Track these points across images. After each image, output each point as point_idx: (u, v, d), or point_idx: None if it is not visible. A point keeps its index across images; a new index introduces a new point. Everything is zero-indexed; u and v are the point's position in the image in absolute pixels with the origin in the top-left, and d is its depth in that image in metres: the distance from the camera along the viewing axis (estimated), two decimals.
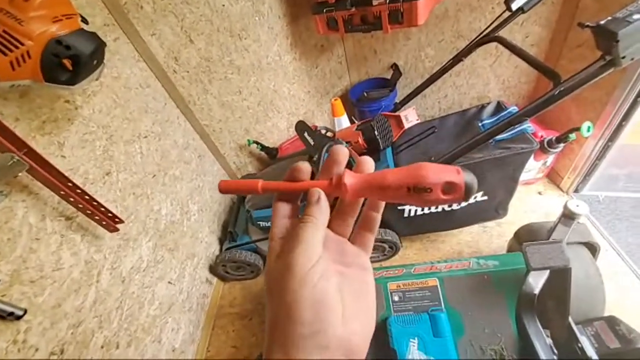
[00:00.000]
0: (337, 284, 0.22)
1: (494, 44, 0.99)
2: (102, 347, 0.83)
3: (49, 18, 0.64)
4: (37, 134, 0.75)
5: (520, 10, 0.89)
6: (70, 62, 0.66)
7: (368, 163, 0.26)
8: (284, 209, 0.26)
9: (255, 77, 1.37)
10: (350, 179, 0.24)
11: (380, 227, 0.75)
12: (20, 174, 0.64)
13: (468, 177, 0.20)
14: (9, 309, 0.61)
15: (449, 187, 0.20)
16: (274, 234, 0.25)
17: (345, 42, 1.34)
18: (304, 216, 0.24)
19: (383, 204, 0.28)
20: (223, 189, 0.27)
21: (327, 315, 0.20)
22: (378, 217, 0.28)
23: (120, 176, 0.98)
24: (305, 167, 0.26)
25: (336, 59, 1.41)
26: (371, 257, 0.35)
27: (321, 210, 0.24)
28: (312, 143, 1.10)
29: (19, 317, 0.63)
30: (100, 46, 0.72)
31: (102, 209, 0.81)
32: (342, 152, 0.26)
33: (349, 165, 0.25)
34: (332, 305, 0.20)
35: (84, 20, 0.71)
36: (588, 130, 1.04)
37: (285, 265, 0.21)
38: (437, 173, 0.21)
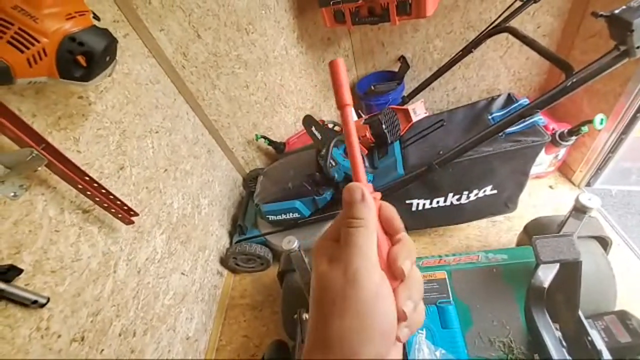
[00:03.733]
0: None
1: (505, 34, 0.98)
2: (119, 334, 0.86)
3: (62, 15, 0.65)
4: (53, 129, 0.78)
5: None
6: (84, 58, 0.67)
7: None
8: None
9: (262, 72, 1.38)
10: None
11: None
12: (39, 169, 0.67)
13: None
14: (33, 297, 0.64)
15: None
16: (328, 233, 0.23)
17: (352, 35, 1.33)
18: (351, 219, 0.21)
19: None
20: None
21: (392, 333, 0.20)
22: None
23: (134, 170, 1.00)
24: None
25: (343, 52, 1.40)
26: None
27: (369, 209, 0.21)
28: (319, 137, 1.10)
29: (42, 305, 0.66)
30: (112, 42, 0.73)
31: (118, 202, 0.83)
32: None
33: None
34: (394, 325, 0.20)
35: (96, 17, 0.72)
36: (601, 123, 1.03)
37: (347, 277, 0.19)
38: None
